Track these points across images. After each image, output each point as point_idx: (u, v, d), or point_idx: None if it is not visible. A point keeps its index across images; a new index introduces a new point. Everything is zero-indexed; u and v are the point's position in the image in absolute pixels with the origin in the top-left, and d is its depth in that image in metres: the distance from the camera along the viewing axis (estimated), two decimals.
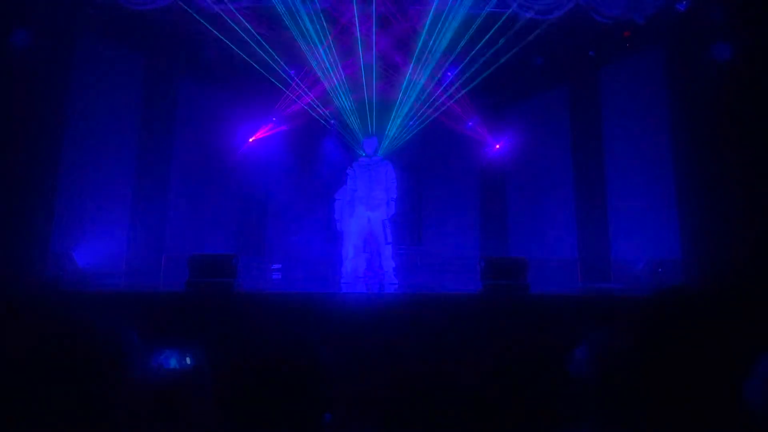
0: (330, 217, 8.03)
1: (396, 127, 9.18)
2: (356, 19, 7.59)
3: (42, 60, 6.69)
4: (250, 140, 10.07)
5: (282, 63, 8.61)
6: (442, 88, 9.46)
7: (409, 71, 8.66)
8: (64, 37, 7.05)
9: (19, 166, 6.59)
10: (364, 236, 7.40)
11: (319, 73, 8.61)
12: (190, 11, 6.99)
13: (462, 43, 7.93)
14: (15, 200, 6.55)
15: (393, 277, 7.16)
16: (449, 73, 9.30)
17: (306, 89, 9.15)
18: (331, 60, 8.39)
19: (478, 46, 8.23)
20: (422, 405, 1.36)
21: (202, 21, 7.27)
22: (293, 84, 9.10)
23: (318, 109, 9.53)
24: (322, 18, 7.61)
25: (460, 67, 9.10)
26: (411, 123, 9.88)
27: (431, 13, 7.49)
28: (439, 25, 7.76)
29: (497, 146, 10.38)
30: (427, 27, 7.80)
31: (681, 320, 0.99)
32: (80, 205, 7.58)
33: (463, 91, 9.42)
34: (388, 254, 7.23)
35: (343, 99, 8.89)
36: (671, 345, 0.96)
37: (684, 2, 6.87)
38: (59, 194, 7.24)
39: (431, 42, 8.08)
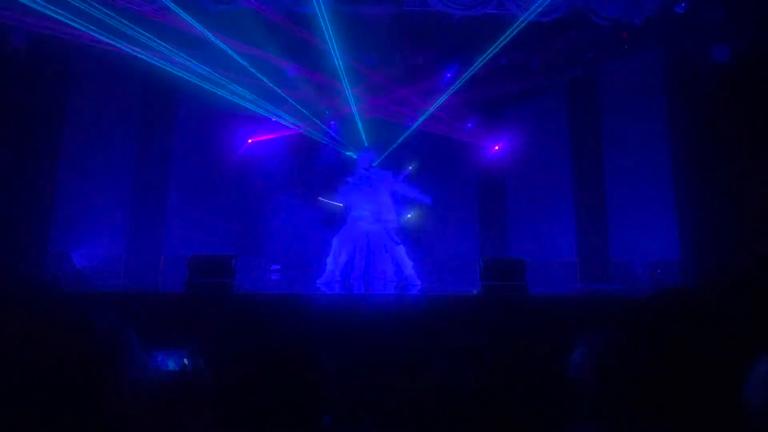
0: (326, 216, 8.00)
1: (395, 132, 9.18)
2: None
3: (41, 61, 6.69)
4: (249, 141, 10.07)
5: (282, 63, 8.61)
6: (440, 88, 9.47)
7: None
8: (64, 38, 7.04)
9: (17, 166, 6.58)
10: (358, 246, 7.27)
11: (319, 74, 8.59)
12: (190, 11, 6.99)
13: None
14: (14, 200, 6.54)
15: (416, 278, 6.98)
16: (448, 74, 9.31)
17: (306, 90, 9.14)
18: (332, 62, 8.38)
19: (478, 48, 8.24)
20: (421, 406, 1.36)
21: (202, 21, 7.27)
22: (293, 85, 9.09)
23: (318, 109, 9.52)
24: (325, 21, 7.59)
25: (459, 69, 9.11)
26: (411, 124, 9.88)
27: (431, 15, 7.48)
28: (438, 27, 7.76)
29: (496, 147, 10.38)
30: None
31: (680, 321, 0.99)
32: (79, 205, 7.57)
33: (462, 93, 9.42)
34: (402, 255, 7.08)
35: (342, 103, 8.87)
36: (670, 346, 0.96)
37: (682, 4, 6.88)
38: (58, 194, 7.23)
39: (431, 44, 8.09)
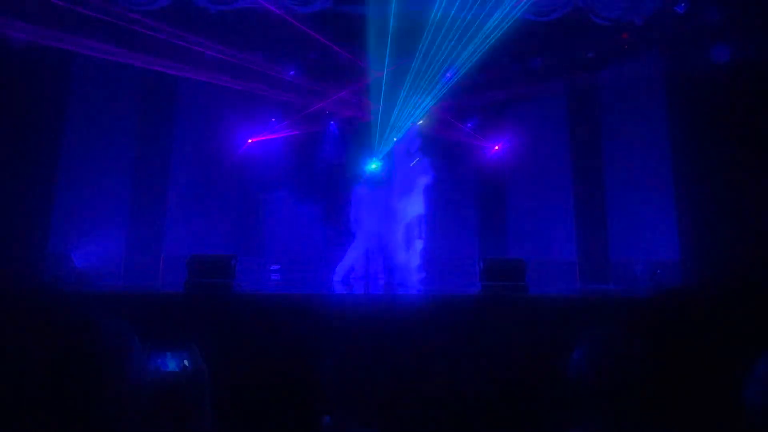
0: (328, 216, 8.00)
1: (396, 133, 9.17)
2: None
3: (41, 61, 6.69)
4: (250, 141, 10.07)
5: (282, 64, 8.61)
6: (441, 89, 9.47)
7: (410, 74, 8.65)
8: (64, 39, 7.05)
9: (17, 166, 6.58)
10: (372, 247, 7.36)
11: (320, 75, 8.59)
12: (190, 11, 6.99)
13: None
14: (14, 200, 6.54)
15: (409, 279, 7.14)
16: (448, 74, 9.30)
17: (307, 91, 9.15)
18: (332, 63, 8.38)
19: (478, 48, 8.23)
20: (421, 406, 1.36)
21: (201, 21, 7.27)
22: (293, 85, 9.10)
23: (318, 110, 9.53)
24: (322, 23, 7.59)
25: (458, 69, 9.10)
26: (411, 125, 9.87)
27: (430, 17, 7.48)
28: (438, 29, 7.75)
29: (496, 147, 10.38)
30: (426, 30, 7.80)
31: (680, 321, 0.99)
32: (79, 205, 7.57)
33: (463, 93, 9.42)
34: (416, 249, 7.14)
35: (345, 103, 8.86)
36: (670, 346, 0.96)
37: (682, 4, 6.88)
38: (58, 195, 7.23)
39: (431, 45, 8.08)
